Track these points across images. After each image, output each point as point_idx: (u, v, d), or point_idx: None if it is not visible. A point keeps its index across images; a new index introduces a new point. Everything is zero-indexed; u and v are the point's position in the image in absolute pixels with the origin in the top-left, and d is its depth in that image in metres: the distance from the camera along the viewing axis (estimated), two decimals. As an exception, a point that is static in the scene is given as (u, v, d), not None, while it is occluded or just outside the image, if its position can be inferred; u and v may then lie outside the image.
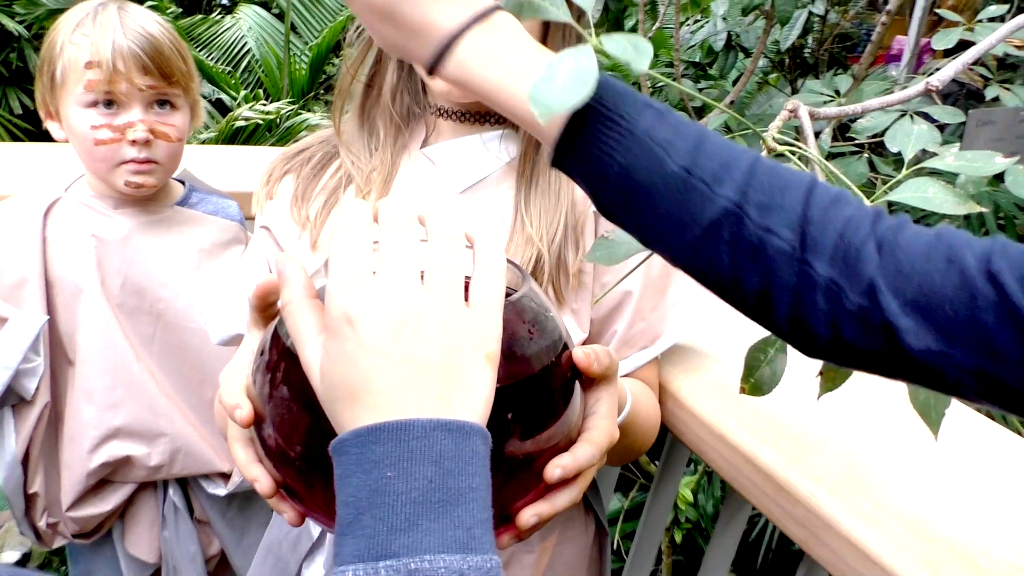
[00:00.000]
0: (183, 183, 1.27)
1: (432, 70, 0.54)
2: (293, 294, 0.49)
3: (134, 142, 1.11)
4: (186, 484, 1.28)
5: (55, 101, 1.13)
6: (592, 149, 0.53)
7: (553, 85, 0.52)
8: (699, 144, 0.52)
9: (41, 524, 1.25)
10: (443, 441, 0.43)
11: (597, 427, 0.63)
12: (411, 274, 0.46)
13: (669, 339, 0.92)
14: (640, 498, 2.20)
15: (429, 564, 0.40)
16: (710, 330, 1.03)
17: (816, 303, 0.48)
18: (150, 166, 1.14)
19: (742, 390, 0.70)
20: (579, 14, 0.62)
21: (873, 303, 0.46)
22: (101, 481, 1.22)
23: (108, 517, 1.25)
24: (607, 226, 0.88)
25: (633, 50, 0.55)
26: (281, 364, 0.57)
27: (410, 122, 0.94)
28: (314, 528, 0.94)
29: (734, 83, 2.28)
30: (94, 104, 1.10)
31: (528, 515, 0.58)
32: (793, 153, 0.79)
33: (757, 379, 0.71)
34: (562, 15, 0.57)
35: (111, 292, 1.17)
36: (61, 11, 4.03)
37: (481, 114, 0.91)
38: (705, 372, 0.97)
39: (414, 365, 0.44)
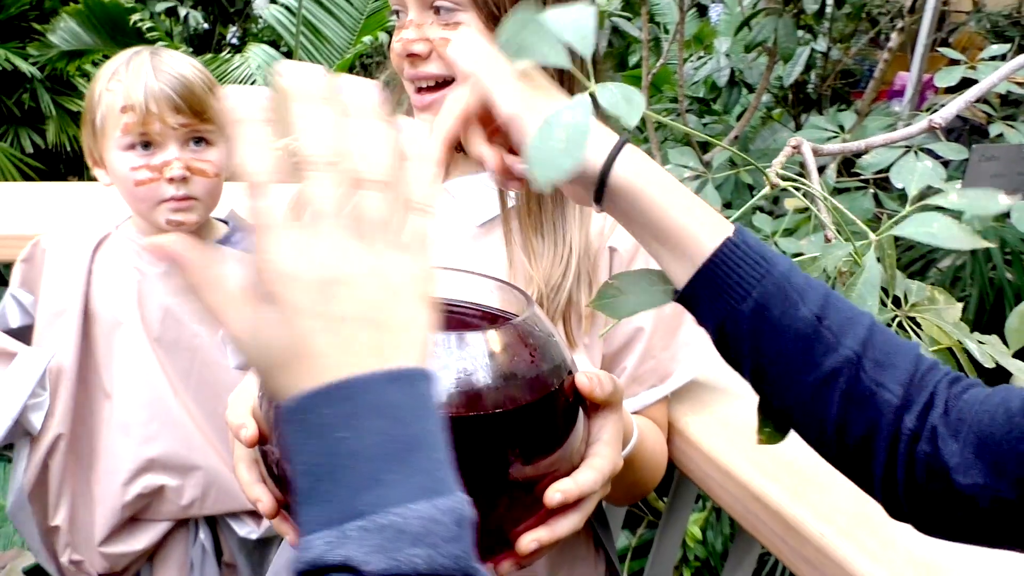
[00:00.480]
0: (227, 223, 1.30)
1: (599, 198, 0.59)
2: (198, 276, 0.46)
3: (172, 180, 1.14)
4: (215, 525, 1.27)
5: (99, 148, 1.18)
6: (733, 282, 0.57)
7: (550, 147, 0.53)
8: (828, 296, 0.57)
9: (64, 560, 1.24)
10: (390, 391, 0.42)
11: (600, 454, 0.62)
12: (338, 223, 0.43)
13: (679, 379, 0.91)
14: (648, 535, 2.18)
15: (400, 517, 0.39)
16: (718, 366, 1.02)
17: (901, 450, 0.53)
18: (189, 203, 1.17)
19: (760, 440, 0.68)
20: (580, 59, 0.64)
21: (934, 448, 0.52)
22: (133, 518, 1.22)
23: (138, 558, 1.25)
24: (620, 266, 0.88)
25: (624, 103, 0.56)
26: None
27: (458, 156, 0.95)
28: None
29: (738, 118, 2.30)
30: (132, 147, 1.14)
31: (528, 540, 0.58)
32: (797, 189, 0.80)
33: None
34: (562, 60, 0.58)
35: (150, 326, 1.20)
36: (73, 53, 4.05)
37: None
38: (713, 408, 0.97)
39: (351, 322, 0.43)
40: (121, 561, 1.23)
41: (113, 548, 1.22)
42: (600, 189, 0.58)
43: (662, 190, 0.58)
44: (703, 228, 0.58)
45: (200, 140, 1.17)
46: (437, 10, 0.84)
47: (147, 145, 1.14)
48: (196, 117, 1.15)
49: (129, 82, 1.14)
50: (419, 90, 0.87)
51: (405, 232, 0.45)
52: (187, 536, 1.26)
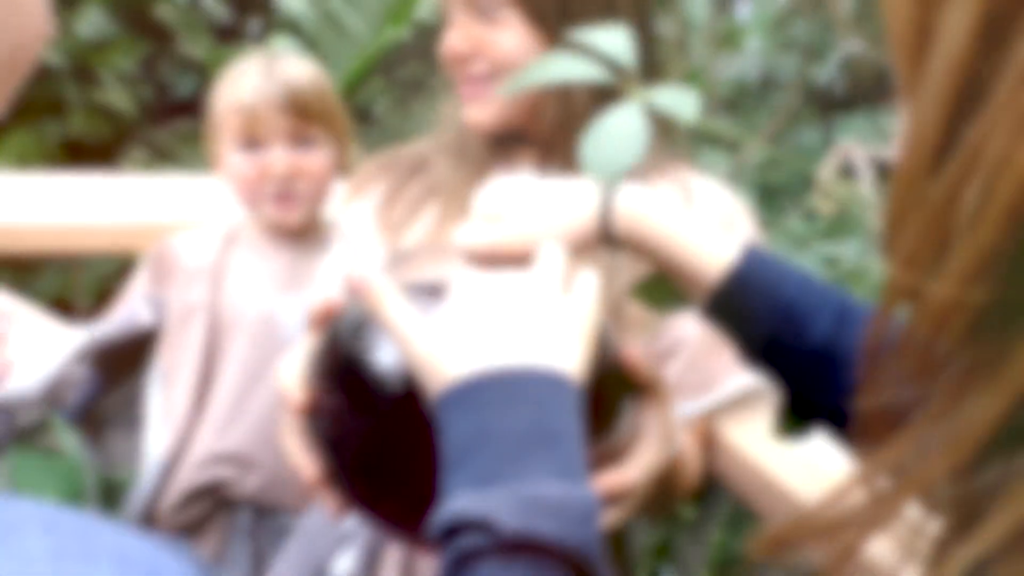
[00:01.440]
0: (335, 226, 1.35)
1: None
2: (392, 303, 0.52)
3: (275, 178, 1.21)
4: (261, 513, 1.33)
5: (217, 150, 1.26)
6: (742, 313, 0.57)
7: (605, 150, 0.53)
8: (843, 311, 0.56)
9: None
10: (542, 386, 0.47)
11: (644, 451, 0.63)
12: (524, 260, 0.52)
13: (722, 393, 0.90)
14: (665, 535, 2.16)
15: (537, 490, 0.43)
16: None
17: None
18: (291, 203, 1.23)
19: (778, 433, 0.69)
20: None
21: None
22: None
23: (181, 529, 1.32)
24: None
25: (681, 100, 0.56)
26: (338, 368, 0.60)
27: (503, 148, 0.98)
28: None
29: (767, 119, 2.27)
30: (242, 147, 1.21)
31: None
32: (840, 194, 0.78)
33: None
34: (601, 74, 0.58)
35: (256, 325, 1.26)
36: (98, 44, 4.04)
37: (515, 137, 0.94)
38: (755, 414, 0.95)
39: (522, 326, 0.49)
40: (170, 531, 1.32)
41: (172, 520, 1.29)
42: (608, 232, 0.59)
43: (663, 223, 0.59)
44: (707, 259, 0.58)
45: (306, 141, 1.22)
46: (479, 9, 0.85)
47: (255, 145, 1.21)
48: (302, 118, 1.21)
49: (240, 85, 1.22)
50: (465, 85, 0.92)
51: (576, 284, 0.52)
52: (228, 512, 1.31)
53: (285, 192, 1.22)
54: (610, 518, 0.60)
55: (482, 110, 0.91)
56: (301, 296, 1.26)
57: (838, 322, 0.56)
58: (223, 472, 1.26)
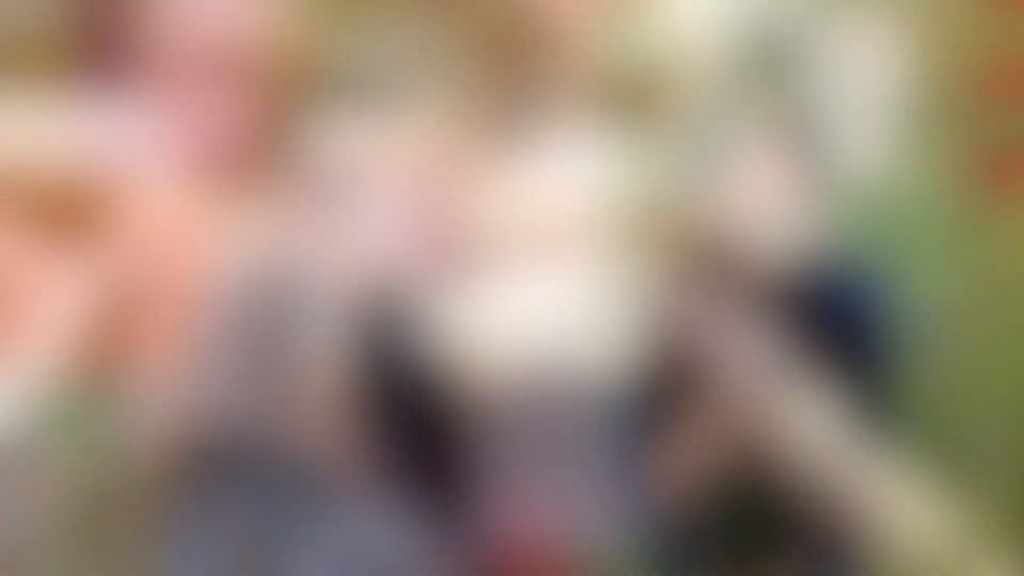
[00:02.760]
0: None
1: None
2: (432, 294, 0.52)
3: None
4: None
5: None
6: (788, 315, 0.53)
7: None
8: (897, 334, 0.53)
9: None
10: (590, 388, 0.47)
11: (692, 447, 0.61)
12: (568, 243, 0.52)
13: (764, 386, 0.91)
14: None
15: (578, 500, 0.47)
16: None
17: None
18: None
19: None
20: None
21: None
22: None
23: None
24: None
25: None
26: (375, 353, 0.58)
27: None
28: None
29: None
30: None
31: None
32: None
33: None
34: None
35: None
36: None
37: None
38: (812, 412, 0.94)
39: (565, 323, 0.49)
40: None
41: None
42: (656, 221, 0.57)
43: (716, 210, 0.56)
44: (760, 252, 0.55)
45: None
46: None
47: None
48: None
49: None
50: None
51: (627, 271, 0.50)
52: None
53: None
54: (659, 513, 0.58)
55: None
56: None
57: (888, 342, 0.54)
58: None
